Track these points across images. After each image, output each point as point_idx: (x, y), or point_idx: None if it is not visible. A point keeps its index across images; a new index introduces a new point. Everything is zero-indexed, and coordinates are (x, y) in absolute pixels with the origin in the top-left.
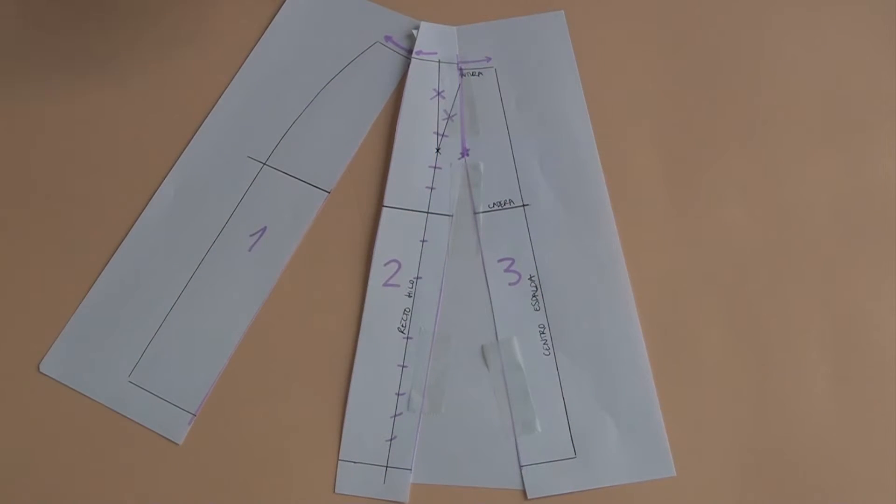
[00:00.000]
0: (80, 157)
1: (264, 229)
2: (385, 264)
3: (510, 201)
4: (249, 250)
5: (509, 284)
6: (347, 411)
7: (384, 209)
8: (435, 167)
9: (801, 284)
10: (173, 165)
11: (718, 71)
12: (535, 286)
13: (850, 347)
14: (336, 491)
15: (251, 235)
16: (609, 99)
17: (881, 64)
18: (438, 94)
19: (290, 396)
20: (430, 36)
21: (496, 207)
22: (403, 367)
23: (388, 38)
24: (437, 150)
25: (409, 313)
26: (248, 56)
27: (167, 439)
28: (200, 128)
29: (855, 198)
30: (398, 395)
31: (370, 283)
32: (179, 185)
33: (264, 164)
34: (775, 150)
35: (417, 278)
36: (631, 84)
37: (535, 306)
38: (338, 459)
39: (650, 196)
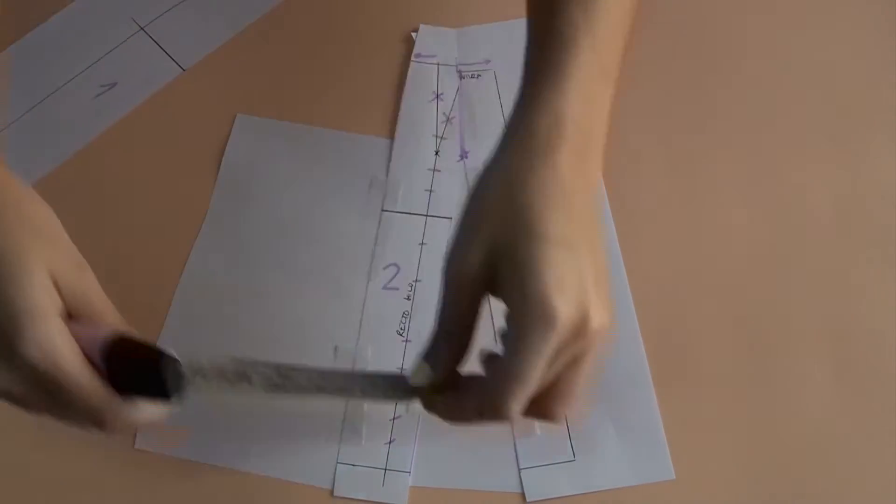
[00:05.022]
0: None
1: None
2: (384, 268)
3: None
4: None
5: None
6: (346, 414)
7: (383, 213)
8: (434, 170)
9: (800, 285)
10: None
11: (718, 73)
12: None
13: (850, 348)
14: (335, 494)
15: None
16: None
17: (881, 64)
18: (437, 96)
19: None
20: (428, 38)
21: None
22: (402, 370)
23: None
24: (437, 152)
25: (409, 317)
26: None
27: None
28: None
29: (855, 198)
30: None
31: (369, 286)
32: None
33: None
34: (775, 150)
35: (417, 281)
36: (629, 86)
37: None
38: (336, 462)
39: (649, 199)
